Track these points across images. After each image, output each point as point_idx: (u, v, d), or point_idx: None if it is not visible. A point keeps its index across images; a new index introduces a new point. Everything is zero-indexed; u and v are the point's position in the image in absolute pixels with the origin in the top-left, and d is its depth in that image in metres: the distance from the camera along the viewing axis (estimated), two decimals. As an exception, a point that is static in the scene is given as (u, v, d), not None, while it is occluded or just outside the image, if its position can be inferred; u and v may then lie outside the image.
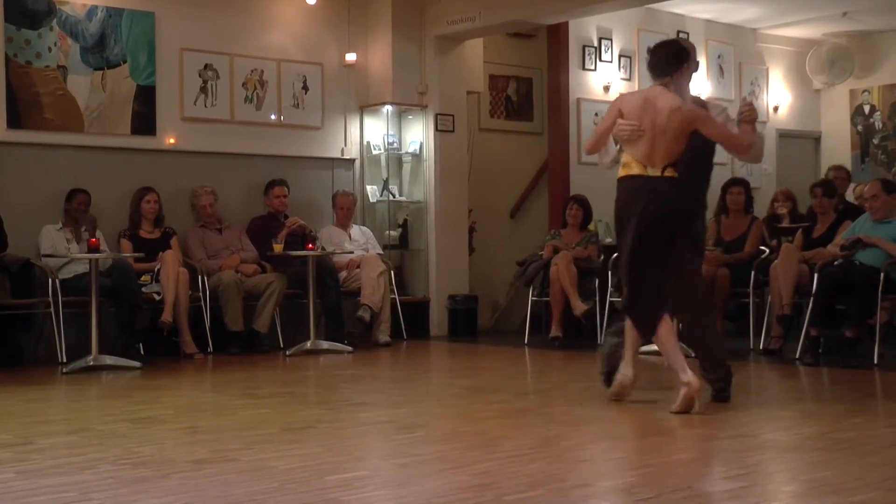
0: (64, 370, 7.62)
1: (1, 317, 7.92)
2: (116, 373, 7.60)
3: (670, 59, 5.79)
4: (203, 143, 9.41)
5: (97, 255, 7.76)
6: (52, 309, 8.03)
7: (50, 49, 8.72)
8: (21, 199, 8.50)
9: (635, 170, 5.63)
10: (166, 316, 8.23)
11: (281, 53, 9.94)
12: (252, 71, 9.70)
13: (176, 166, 9.26)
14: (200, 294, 8.68)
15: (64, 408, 6.51)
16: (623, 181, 5.71)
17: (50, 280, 8.10)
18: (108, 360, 7.73)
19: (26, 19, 8.62)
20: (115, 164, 8.99)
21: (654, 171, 5.61)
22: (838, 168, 10.10)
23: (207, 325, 8.69)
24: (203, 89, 9.43)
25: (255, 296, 8.86)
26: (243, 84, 9.66)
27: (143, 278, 8.45)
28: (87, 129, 8.88)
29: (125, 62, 9.05)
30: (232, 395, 6.69)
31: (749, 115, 5.79)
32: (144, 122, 9.14)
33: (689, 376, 5.43)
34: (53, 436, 5.19)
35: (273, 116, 9.83)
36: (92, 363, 7.66)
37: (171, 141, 9.23)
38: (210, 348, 8.67)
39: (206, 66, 9.44)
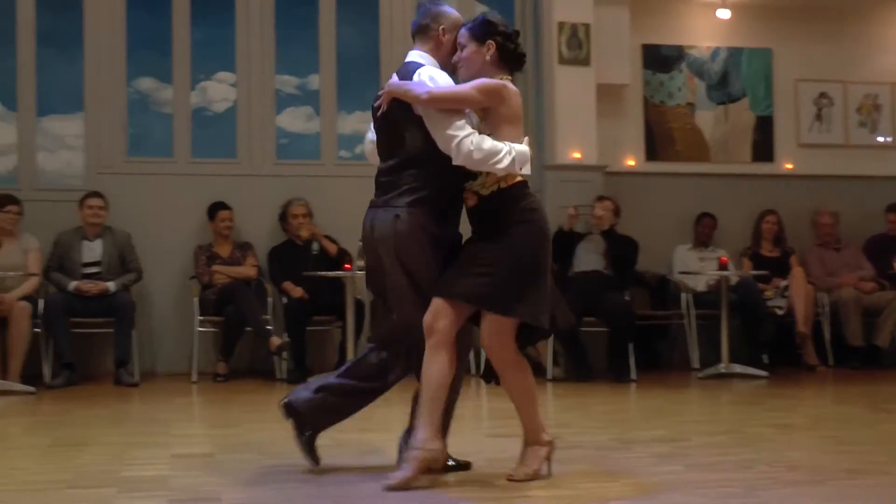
0: (698, 375, 8.50)
1: (642, 326, 8.88)
2: (744, 380, 8.25)
3: None
4: (819, 167, 9.97)
5: (726, 273, 8.58)
6: (685, 320, 9.02)
7: (679, 89, 9.82)
8: (656, 221, 9.55)
9: None
10: (800, 327, 8.75)
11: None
12: (865, 96, 10.12)
13: (793, 189, 9.88)
14: (819, 309, 9.18)
15: (705, 410, 7.10)
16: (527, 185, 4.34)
17: (682, 295, 9.09)
18: (738, 368, 8.45)
19: (660, 65, 9.80)
20: (736, 188, 9.82)
21: None
22: None
23: (828, 338, 9.13)
24: (818, 116, 10.02)
25: (875, 312, 9.11)
26: (857, 109, 10.10)
27: (766, 293, 9.05)
28: (713, 158, 9.86)
29: (744, 96, 9.92)
30: (862, 408, 6.78)
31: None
32: (763, 149, 9.94)
33: None
34: (705, 435, 5.58)
35: (880, 139, 10.16)
36: (723, 370, 8.43)
37: (788, 166, 9.93)
38: (830, 361, 9.09)
39: (820, 95, 10.02)
